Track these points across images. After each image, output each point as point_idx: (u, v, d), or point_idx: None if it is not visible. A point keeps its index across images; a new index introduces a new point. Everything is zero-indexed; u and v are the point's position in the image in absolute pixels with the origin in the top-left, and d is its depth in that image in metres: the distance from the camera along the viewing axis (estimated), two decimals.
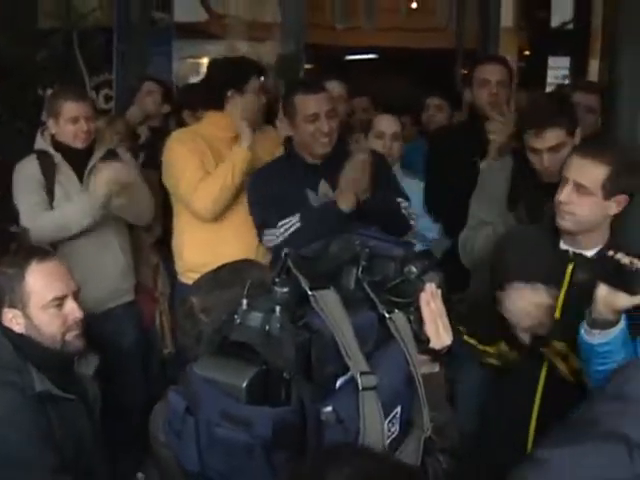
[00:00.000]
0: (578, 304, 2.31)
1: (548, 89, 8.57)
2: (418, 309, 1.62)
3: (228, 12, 8.94)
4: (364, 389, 1.37)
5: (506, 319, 2.50)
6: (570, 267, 2.56)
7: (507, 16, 7.26)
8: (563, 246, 2.64)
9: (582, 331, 2.25)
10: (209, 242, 3.58)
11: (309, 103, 3.28)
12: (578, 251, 2.59)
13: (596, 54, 6.46)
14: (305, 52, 8.23)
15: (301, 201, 3.30)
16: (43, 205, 3.56)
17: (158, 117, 4.88)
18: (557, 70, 8.43)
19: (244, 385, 1.33)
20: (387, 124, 3.95)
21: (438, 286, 1.63)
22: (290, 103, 3.33)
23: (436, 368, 1.66)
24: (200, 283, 1.76)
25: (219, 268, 1.80)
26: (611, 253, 2.16)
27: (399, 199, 3.45)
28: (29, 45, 4.55)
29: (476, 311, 2.73)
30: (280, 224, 3.23)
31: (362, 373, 1.38)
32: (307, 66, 10.72)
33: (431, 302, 1.64)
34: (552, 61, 8.63)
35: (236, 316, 1.41)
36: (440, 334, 1.66)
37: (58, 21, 5.18)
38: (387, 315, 1.51)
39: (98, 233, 3.67)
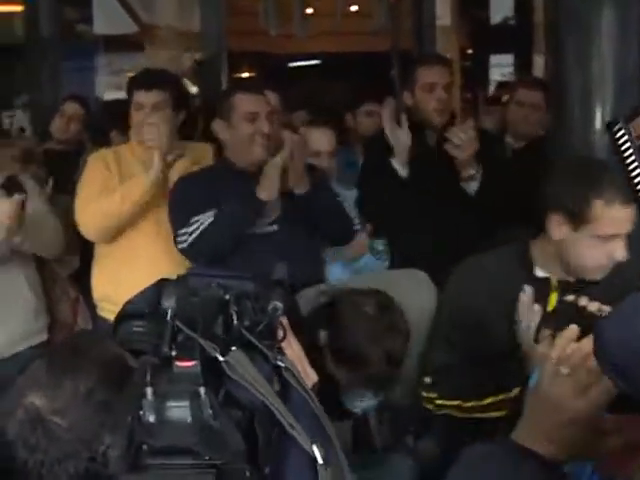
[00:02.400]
0: None
1: (491, 87, 8.40)
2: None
3: (158, 22, 8.66)
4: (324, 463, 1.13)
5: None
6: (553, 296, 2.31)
7: (444, 15, 7.07)
8: (540, 273, 2.37)
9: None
10: (115, 267, 3.29)
11: (249, 101, 3.01)
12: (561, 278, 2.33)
13: (540, 49, 6.31)
14: (240, 59, 7.96)
15: None
16: None
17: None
18: (500, 68, 8.26)
19: None
20: (326, 141, 3.57)
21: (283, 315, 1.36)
22: (228, 102, 3.04)
23: None
24: (35, 375, 1.26)
25: (52, 352, 1.37)
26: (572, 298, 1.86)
27: (338, 200, 3.20)
28: None
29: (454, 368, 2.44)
30: (192, 221, 2.92)
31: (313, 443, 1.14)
32: (245, 74, 10.48)
33: (292, 344, 1.44)
34: (495, 59, 8.47)
35: (145, 413, 1.07)
36: (308, 373, 1.47)
37: None
38: (282, 364, 1.25)
39: (1, 269, 3.30)
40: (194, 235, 2.91)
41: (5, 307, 3.33)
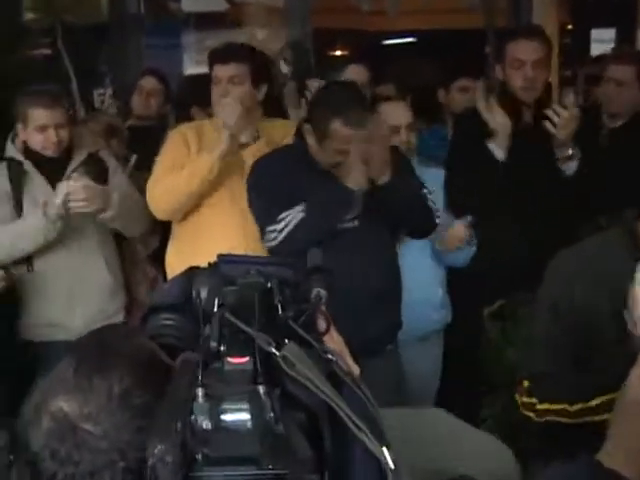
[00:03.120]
0: None
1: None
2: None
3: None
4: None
5: None
6: None
7: None
8: None
9: None
10: (189, 246, 3.18)
11: (346, 137, 2.76)
12: None
13: None
14: (333, 37, 7.79)
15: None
16: (5, 219, 3.20)
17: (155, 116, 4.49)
18: (602, 43, 7.91)
19: None
20: (400, 114, 3.36)
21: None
22: (324, 125, 2.81)
23: None
24: (61, 377, 1.05)
25: (79, 349, 1.12)
26: None
27: (424, 190, 3.00)
28: (10, 41, 4.15)
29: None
30: (280, 217, 2.78)
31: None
32: (338, 52, 10.33)
33: (334, 335, 1.24)
34: (596, 33, 8.11)
35: (197, 418, 0.93)
36: (350, 366, 1.25)
37: (42, 14, 4.75)
38: (332, 358, 1.09)
39: (80, 246, 3.30)
40: (284, 233, 2.78)
41: (82, 287, 3.31)
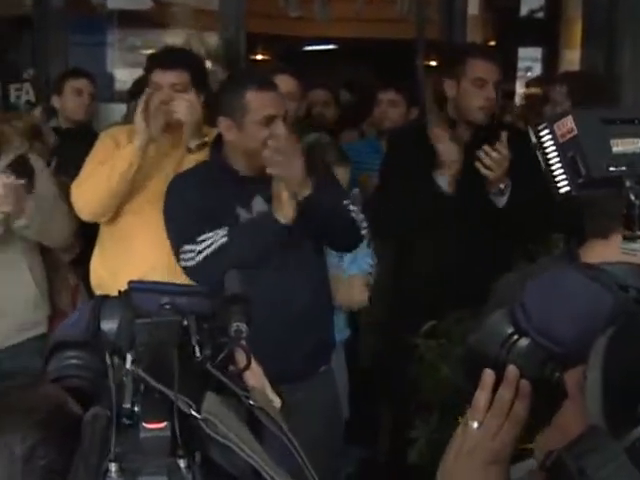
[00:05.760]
0: None
1: (519, 82, 8.18)
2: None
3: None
4: None
5: None
6: None
7: (472, 4, 6.83)
8: None
9: None
10: (113, 253, 3.08)
11: (265, 102, 2.70)
12: None
13: (571, 44, 6.10)
14: (256, 42, 7.66)
15: (230, 219, 2.73)
16: None
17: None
18: (526, 62, 8.08)
19: None
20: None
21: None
22: (238, 100, 2.71)
23: None
24: None
25: None
26: None
27: (345, 200, 2.88)
28: None
29: None
30: (200, 239, 2.65)
31: None
32: (259, 57, 10.26)
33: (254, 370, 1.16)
34: (522, 52, 8.28)
35: None
36: (272, 400, 1.20)
37: None
38: (252, 403, 1.02)
39: (3, 256, 3.12)
40: (203, 254, 2.65)
41: (3, 296, 3.13)
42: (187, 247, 2.68)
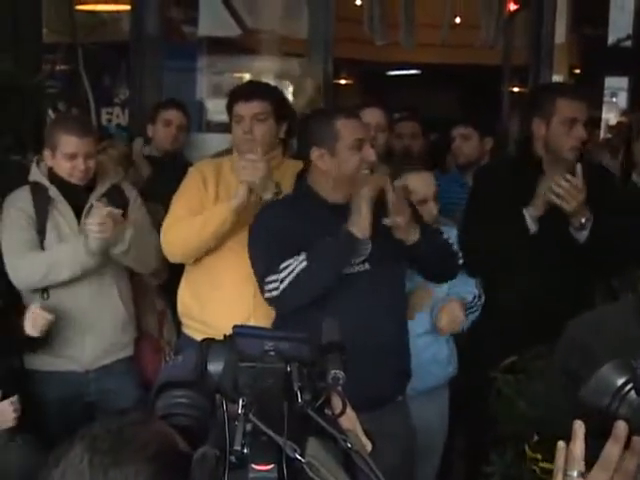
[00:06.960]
0: None
1: (605, 110, 8.06)
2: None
3: (261, 27, 8.60)
4: None
5: None
6: None
7: (559, 31, 6.76)
8: None
9: None
10: (200, 284, 3.13)
11: (354, 127, 2.78)
12: None
13: None
14: (340, 67, 7.73)
15: None
16: (30, 244, 3.17)
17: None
18: (612, 90, 7.96)
19: None
20: (427, 185, 3.27)
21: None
22: (329, 128, 2.77)
23: None
24: (74, 466, 1.01)
25: (94, 438, 1.06)
26: None
27: (444, 236, 3.01)
28: (32, 63, 4.14)
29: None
30: (282, 267, 2.68)
31: None
32: (342, 81, 10.34)
33: (349, 414, 1.22)
34: (609, 81, 8.14)
35: None
36: (364, 445, 1.25)
37: (64, 36, 4.73)
38: (350, 446, 1.08)
39: (94, 278, 3.25)
40: (286, 282, 2.67)
41: (95, 319, 3.27)
42: (271, 277, 2.71)
